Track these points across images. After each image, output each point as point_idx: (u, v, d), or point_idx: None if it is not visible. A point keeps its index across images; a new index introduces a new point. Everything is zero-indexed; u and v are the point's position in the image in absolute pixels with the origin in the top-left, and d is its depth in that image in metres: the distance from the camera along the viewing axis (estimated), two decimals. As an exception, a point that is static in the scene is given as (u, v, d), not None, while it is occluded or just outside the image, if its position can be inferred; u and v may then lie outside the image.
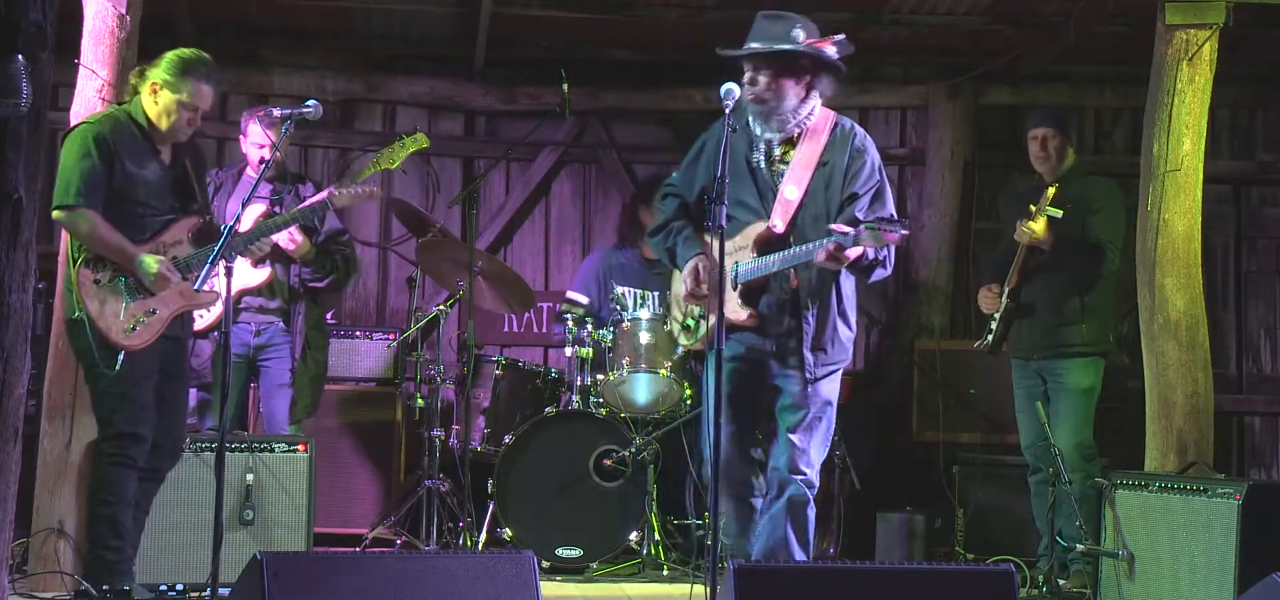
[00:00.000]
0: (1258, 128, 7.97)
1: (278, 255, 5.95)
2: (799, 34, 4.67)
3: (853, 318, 4.82)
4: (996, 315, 5.97)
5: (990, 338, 6.00)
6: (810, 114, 4.75)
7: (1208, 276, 5.91)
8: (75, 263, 4.82)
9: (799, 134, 4.76)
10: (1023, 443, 6.10)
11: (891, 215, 4.59)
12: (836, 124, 4.80)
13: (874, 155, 4.76)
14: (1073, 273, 5.92)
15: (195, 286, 4.73)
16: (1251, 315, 7.93)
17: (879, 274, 4.72)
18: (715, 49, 4.73)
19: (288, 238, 5.85)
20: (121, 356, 4.79)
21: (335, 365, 6.76)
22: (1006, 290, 5.94)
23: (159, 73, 4.89)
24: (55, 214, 4.80)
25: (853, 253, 4.50)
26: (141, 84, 4.92)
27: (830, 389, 4.77)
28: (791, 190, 4.71)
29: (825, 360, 4.74)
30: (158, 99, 4.88)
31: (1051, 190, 5.78)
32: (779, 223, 4.71)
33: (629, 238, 7.07)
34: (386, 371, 7.00)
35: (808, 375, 4.71)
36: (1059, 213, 5.76)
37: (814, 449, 4.74)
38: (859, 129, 4.82)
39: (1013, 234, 5.92)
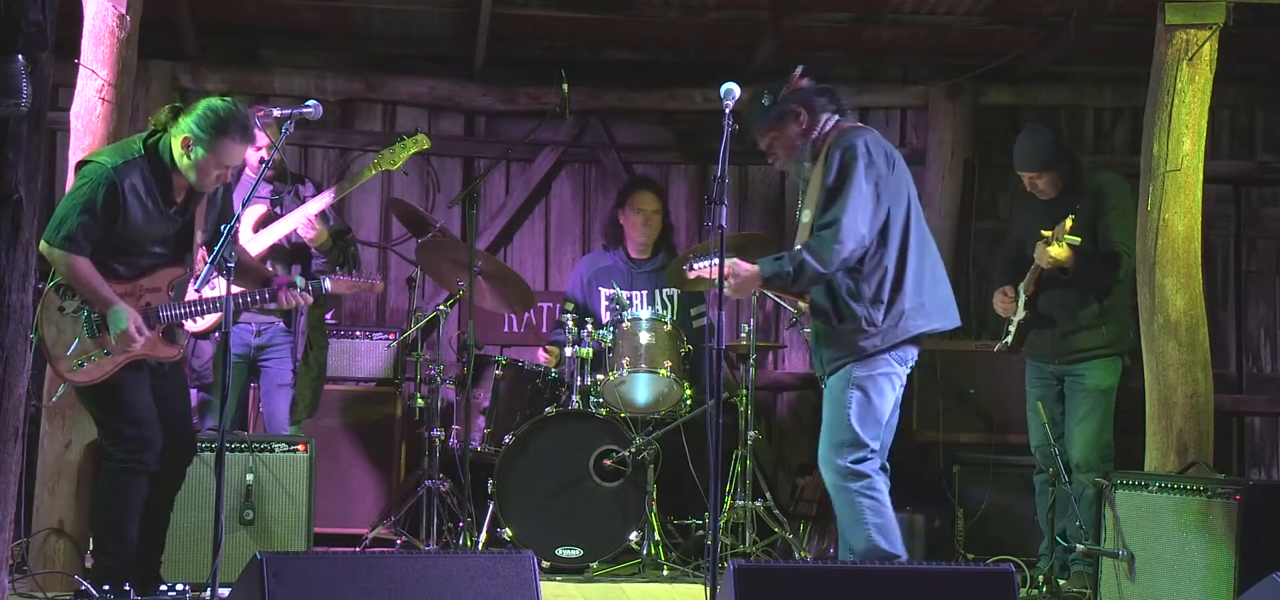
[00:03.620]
0: (1258, 128, 7.96)
1: (279, 255, 5.95)
2: (765, 101, 5.00)
3: (855, 315, 4.84)
4: (1014, 318, 5.96)
5: (1010, 339, 5.98)
6: (817, 138, 4.97)
7: (1208, 276, 5.90)
8: (48, 280, 4.75)
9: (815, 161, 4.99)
10: (1032, 442, 6.09)
11: (826, 220, 4.76)
12: (833, 139, 4.93)
13: (840, 157, 4.82)
14: (1090, 282, 5.90)
15: (197, 285, 4.67)
16: (1251, 315, 7.92)
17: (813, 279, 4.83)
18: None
19: (306, 224, 5.87)
20: (61, 391, 4.70)
21: (335, 365, 6.76)
22: (1023, 299, 5.92)
23: (192, 125, 4.70)
24: (41, 246, 4.54)
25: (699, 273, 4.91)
26: (174, 127, 4.75)
27: (836, 384, 4.92)
28: (806, 214, 4.96)
29: (828, 357, 4.98)
30: (188, 154, 4.72)
31: (1069, 220, 5.71)
32: (796, 246, 4.93)
33: (613, 240, 7.06)
34: (386, 371, 7.00)
35: (818, 373, 5.09)
36: (1078, 240, 5.72)
37: (827, 436, 4.91)
38: (847, 134, 4.91)
39: (1013, 228, 5.91)
